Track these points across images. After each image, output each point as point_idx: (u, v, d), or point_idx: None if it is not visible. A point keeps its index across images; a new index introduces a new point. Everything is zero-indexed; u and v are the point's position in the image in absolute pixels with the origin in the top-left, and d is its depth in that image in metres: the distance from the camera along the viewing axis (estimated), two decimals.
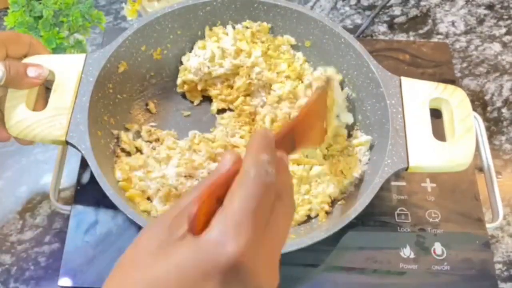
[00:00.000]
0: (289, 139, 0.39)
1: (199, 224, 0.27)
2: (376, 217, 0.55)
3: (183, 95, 0.62)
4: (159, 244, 0.27)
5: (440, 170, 0.49)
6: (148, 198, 0.52)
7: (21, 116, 0.49)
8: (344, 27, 0.72)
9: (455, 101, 0.51)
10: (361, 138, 0.55)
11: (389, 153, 0.48)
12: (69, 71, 0.51)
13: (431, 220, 0.55)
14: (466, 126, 0.49)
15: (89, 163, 0.47)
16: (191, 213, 0.26)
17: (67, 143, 0.48)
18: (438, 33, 0.77)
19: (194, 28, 0.60)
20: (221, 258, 0.25)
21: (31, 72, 0.49)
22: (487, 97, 0.71)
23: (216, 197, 0.28)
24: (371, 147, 0.54)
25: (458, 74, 0.72)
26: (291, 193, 0.31)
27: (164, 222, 0.28)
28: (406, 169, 0.48)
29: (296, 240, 0.45)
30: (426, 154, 0.48)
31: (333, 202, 0.53)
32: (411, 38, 0.76)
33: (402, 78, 0.53)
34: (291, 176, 0.32)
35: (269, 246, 0.28)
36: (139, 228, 0.51)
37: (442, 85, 0.52)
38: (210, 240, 0.26)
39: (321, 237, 0.45)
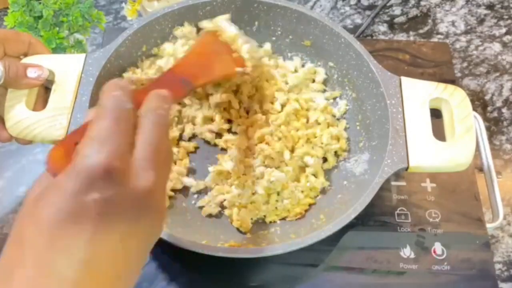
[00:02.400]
0: (173, 80, 0.42)
1: (64, 165, 0.29)
2: (376, 217, 0.55)
3: None
4: (40, 192, 0.28)
5: (440, 170, 0.49)
6: None
7: (21, 116, 0.49)
8: (344, 27, 0.72)
9: (455, 101, 0.51)
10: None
11: (389, 153, 0.48)
12: (69, 71, 0.51)
13: (431, 220, 0.55)
14: (466, 126, 0.49)
15: None
16: (46, 158, 0.29)
17: None
18: (438, 33, 0.77)
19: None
20: (93, 169, 0.27)
21: (31, 73, 0.49)
22: (487, 97, 0.71)
23: (75, 143, 0.30)
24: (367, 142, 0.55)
25: (458, 74, 0.72)
26: (160, 113, 0.32)
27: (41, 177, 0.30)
28: (406, 169, 0.48)
29: (296, 240, 0.45)
30: (426, 154, 0.48)
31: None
32: (411, 38, 0.76)
33: (402, 78, 0.53)
34: (167, 104, 0.34)
35: (142, 156, 0.30)
36: None
37: (442, 85, 0.52)
38: (80, 160, 0.28)
39: (321, 237, 0.45)
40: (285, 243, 0.45)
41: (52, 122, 0.49)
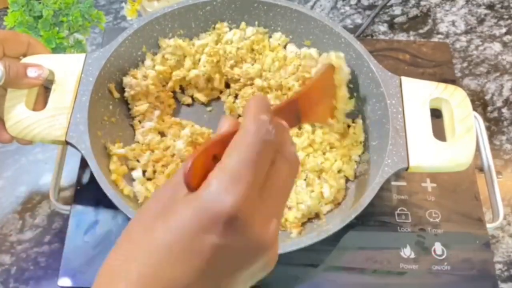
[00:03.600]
0: (292, 111, 0.40)
1: (197, 181, 0.27)
2: (376, 217, 0.55)
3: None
4: (162, 207, 0.27)
5: (440, 170, 0.49)
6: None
7: (21, 116, 0.49)
8: (345, 27, 0.72)
9: (455, 101, 0.51)
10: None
11: (389, 153, 0.48)
12: (69, 71, 0.51)
13: (431, 220, 0.55)
14: (467, 126, 0.49)
15: (89, 163, 0.47)
16: (185, 168, 0.27)
17: (66, 143, 0.48)
18: (438, 33, 0.77)
19: (194, 28, 0.60)
20: (219, 210, 0.25)
21: (31, 73, 0.49)
22: (487, 97, 0.71)
23: (213, 155, 0.28)
24: (369, 147, 0.54)
25: (458, 74, 0.72)
26: (293, 151, 0.31)
27: (166, 186, 0.28)
28: (406, 169, 0.48)
29: (296, 240, 0.45)
30: (426, 154, 0.48)
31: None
32: (411, 38, 0.76)
33: (402, 78, 0.53)
34: (291, 139, 0.32)
35: (270, 201, 0.28)
36: None
37: (442, 85, 0.52)
38: (207, 194, 0.26)
39: (321, 237, 0.45)
40: (285, 243, 0.45)
41: (52, 122, 0.49)
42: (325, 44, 0.58)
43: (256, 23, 0.61)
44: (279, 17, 0.60)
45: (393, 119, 0.50)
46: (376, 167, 0.49)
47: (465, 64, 0.73)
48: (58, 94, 0.50)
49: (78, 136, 0.48)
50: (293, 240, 0.46)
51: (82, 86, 0.51)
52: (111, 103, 0.55)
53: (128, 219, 0.46)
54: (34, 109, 0.50)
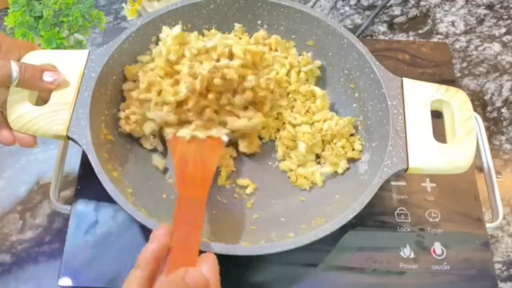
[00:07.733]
0: (189, 205, 0.45)
1: None
2: (376, 217, 0.55)
3: None
4: None
5: (439, 172, 0.49)
6: None
7: (23, 110, 0.49)
8: (344, 27, 0.72)
9: (457, 103, 0.51)
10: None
11: (389, 154, 0.48)
12: (71, 66, 0.51)
13: (431, 220, 0.55)
14: (467, 129, 0.49)
15: (90, 158, 0.47)
16: None
17: (68, 138, 0.48)
18: (438, 33, 0.77)
19: (197, 26, 0.60)
20: None
21: (47, 77, 0.49)
22: (487, 97, 0.71)
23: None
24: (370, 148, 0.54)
25: (458, 74, 0.72)
26: None
27: None
28: (406, 170, 0.48)
29: (295, 238, 0.45)
30: (426, 155, 0.48)
31: None
32: (411, 38, 0.76)
33: (404, 79, 0.52)
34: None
35: None
36: (140, 226, 0.51)
37: (443, 87, 0.52)
38: None
39: (318, 236, 0.45)
40: (283, 242, 0.45)
41: (54, 116, 0.49)
42: (328, 44, 0.58)
43: (259, 22, 0.61)
44: (282, 16, 0.60)
45: (393, 120, 0.50)
46: (376, 168, 0.49)
47: (464, 64, 0.74)
48: (61, 90, 0.50)
49: (80, 131, 0.48)
50: (291, 238, 0.46)
51: (84, 82, 0.51)
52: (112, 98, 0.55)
53: (129, 216, 0.46)
54: (36, 104, 0.50)
